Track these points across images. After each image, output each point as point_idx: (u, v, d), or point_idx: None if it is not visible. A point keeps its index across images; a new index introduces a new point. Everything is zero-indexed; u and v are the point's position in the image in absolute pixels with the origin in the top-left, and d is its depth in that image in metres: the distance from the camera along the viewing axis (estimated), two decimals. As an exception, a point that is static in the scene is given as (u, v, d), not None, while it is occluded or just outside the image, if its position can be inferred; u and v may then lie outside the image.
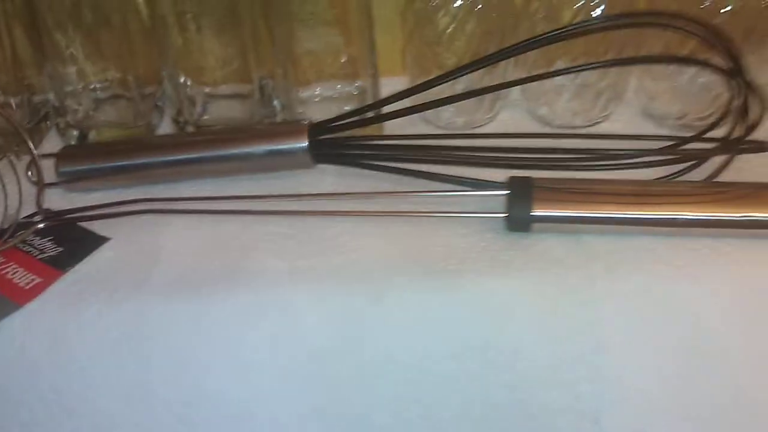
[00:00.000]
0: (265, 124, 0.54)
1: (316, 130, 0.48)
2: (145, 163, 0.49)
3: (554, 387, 0.39)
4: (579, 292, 0.39)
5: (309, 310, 0.41)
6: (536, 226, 0.42)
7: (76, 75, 0.55)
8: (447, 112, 0.54)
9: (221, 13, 0.52)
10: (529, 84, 0.55)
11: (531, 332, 0.39)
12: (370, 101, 0.53)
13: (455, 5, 0.50)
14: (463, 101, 0.53)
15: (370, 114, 0.49)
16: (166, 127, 0.58)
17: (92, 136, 0.57)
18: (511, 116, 0.55)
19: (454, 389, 0.39)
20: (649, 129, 0.53)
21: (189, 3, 0.51)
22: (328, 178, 0.50)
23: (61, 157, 0.51)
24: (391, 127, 0.53)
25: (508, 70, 0.53)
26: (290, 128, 0.48)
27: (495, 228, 0.44)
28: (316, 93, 0.56)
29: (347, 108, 0.54)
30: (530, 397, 0.39)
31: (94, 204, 0.49)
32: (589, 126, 0.54)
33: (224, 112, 0.56)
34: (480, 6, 0.50)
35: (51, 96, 0.55)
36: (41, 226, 0.47)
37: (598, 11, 0.48)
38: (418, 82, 0.52)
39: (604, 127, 0.54)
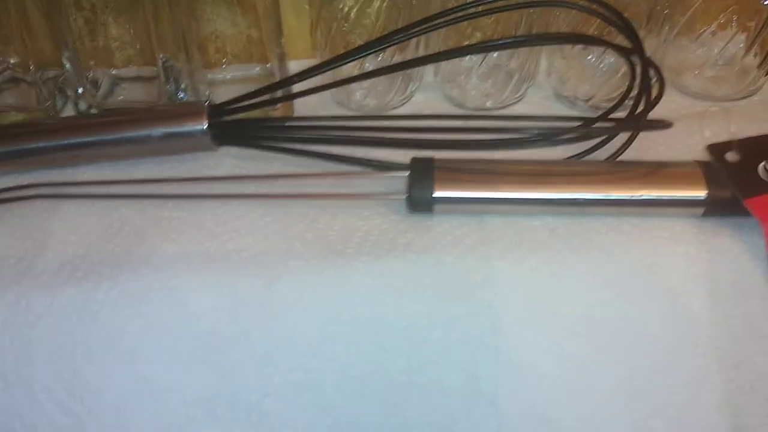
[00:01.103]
0: (164, 106, 0.52)
1: (216, 111, 0.46)
2: (39, 147, 0.47)
3: (450, 369, 0.38)
4: (475, 273, 0.39)
5: (199, 295, 0.39)
6: (438, 207, 0.41)
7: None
8: (358, 94, 0.53)
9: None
10: (442, 66, 0.54)
11: (426, 315, 0.38)
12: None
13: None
14: (374, 82, 0.52)
15: (272, 95, 0.48)
16: (70, 111, 0.56)
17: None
18: (425, 98, 0.54)
19: (350, 374, 0.38)
20: (561, 111, 0.52)
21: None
22: (231, 161, 0.48)
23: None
24: (304, 110, 0.51)
25: (419, 51, 0.52)
26: (188, 109, 0.46)
27: (398, 210, 0.43)
28: (224, 76, 0.54)
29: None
30: (426, 379, 0.38)
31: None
32: (501, 108, 0.53)
33: (130, 95, 0.54)
34: None
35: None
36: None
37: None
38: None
39: (516, 109, 0.53)
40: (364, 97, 0.53)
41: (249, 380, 0.39)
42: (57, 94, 0.56)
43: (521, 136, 0.41)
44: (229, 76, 0.54)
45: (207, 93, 0.53)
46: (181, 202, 0.44)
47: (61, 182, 0.46)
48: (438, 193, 0.40)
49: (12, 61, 0.54)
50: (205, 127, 0.46)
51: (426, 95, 0.55)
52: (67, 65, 0.52)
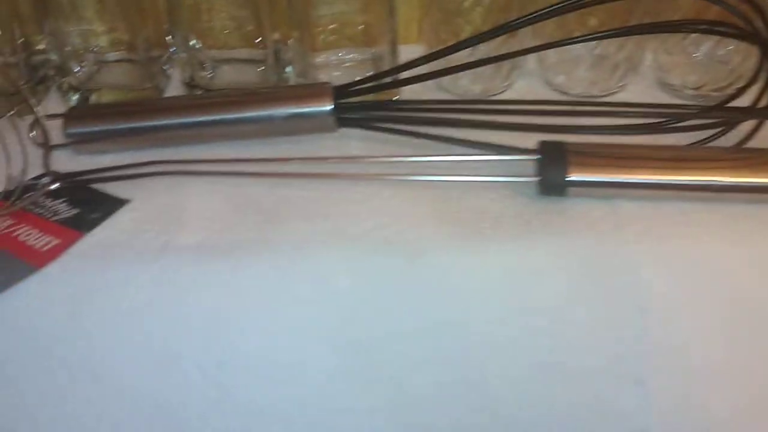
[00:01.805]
0: (288, 87, 0.52)
1: (340, 93, 0.47)
2: (161, 125, 0.48)
3: (594, 350, 0.39)
4: (616, 256, 0.39)
5: (341, 272, 0.40)
6: (571, 191, 0.42)
7: (79, 34, 0.53)
8: (464, 79, 0.53)
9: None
10: (546, 53, 0.55)
11: (570, 295, 0.39)
12: (386, 68, 0.52)
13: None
14: (481, 68, 0.52)
15: (392, 78, 0.48)
16: (172, 91, 0.56)
17: (93, 98, 0.55)
18: (527, 84, 0.55)
19: (493, 352, 0.39)
20: (665, 100, 0.53)
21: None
22: (347, 142, 0.49)
23: (69, 117, 0.49)
24: (407, 95, 0.52)
25: (525, 40, 0.52)
26: (314, 90, 0.47)
27: (524, 193, 0.43)
28: (331, 59, 0.54)
29: (362, 75, 0.53)
30: (570, 359, 0.39)
31: (106, 166, 0.47)
32: (605, 96, 0.53)
33: (234, 77, 0.55)
34: None
35: (52, 55, 0.53)
36: (54, 186, 0.45)
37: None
38: (434, 50, 0.52)
39: (619, 97, 0.53)
40: (470, 83, 0.53)
41: (392, 356, 0.39)
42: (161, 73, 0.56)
43: (656, 120, 0.42)
44: (334, 60, 0.55)
45: (314, 77, 0.54)
46: (306, 182, 0.45)
47: (183, 160, 0.47)
48: (572, 177, 0.41)
49: (116, 39, 0.54)
50: (330, 108, 0.46)
51: (528, 81, 0.56)
52: (178, 45, 0.52)
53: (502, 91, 0.55)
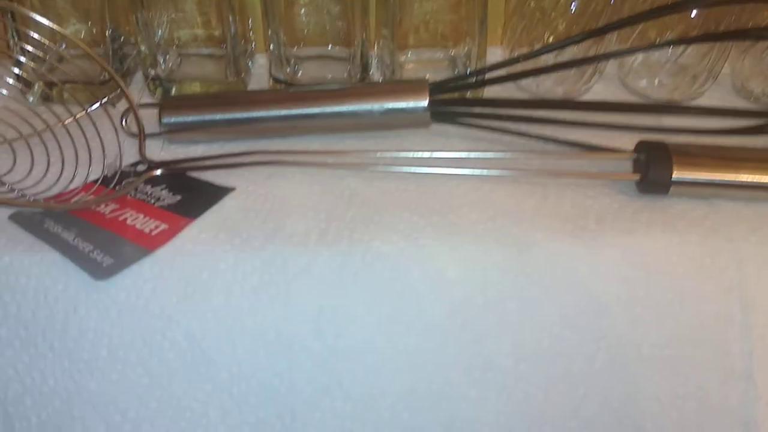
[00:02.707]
0: (385, 82, 0.53)
1: (436, 89, 0.47)
2: (257, 117, 0.48)
3: (701, 344, 0.39)
4: (721, 253, 0.40)
5: (450, 263, 0.40)
6: (674, 189, 0.42)
7: (169, 27, 0.54)
8: (548, 81, 0.54)
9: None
10: (627, 58, 0.56)
11: (677, 292, 0.39)
12: (473, 66, 0.53)
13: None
14: (564, 71, 0.53)
15: (485, 76, 0.49)
16: (254, 86, 0.57)
17: (174, 90, 0.55)
18: (604, 88, 0.56)
19: (599, 345, 0.39)
20: (744, 105, 0.54)
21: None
22: (439, 139, 0.49)
23: (165, 107, 0.49)
24: (490, 95, 0.53)
25: (609, 45, 0.53)
26: (411, 86, 0.47)
27: (623, 191, 0.44)
28: (416, 57, 0.55)
29: (442, 73, 0.54)
30: (678, 353, 0.39)
31: (200, 155, 0.47)
32: (685, 101, 0.54)
33: (318, 73, 0.55)
34: None
35: (142, 46, 0.54)
36: (158, 172, 0.46)
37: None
38: (516, 53, 0.53)
39: (699, 102, 0.54)
40: (554, 85, 0.54)
41: (503, 345, 0.40)
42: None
43: (759, 123, 0.42)
44: (418, 58, 0.56)
45: (400, 74, 0.54)
46: (404, 176, 0.46)
47: (281, 150, 0.47)
48: (677, 176, 0.42)
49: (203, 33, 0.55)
50: (426, 104, 0.47)
51: (605, 85, 0.56)
52: (271, 40, 0.53)
53: (583, 94, 0.55)
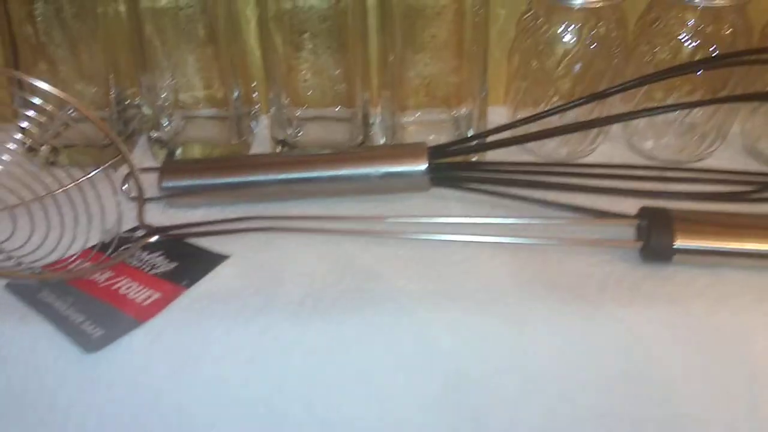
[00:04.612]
0: (383, 146, 0.53)
1: (435, 153, 0.47)
2: (256, 181, 0.48)
3: (707, 424, 0.37)
4: (728, 326, 0.39)
5: (445, 333, 0.39)
6: (677, 257, 0.41)
7: (170, 89, 0.54)
8: (551, 142, 0.53)
9: (331, 34, 0.51)
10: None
11: (681, 366, 0.38)
12: (474, 128, 0.53)
13: (566, 44, 0.50)
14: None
15: (487, 139, 0.49)
16: (257, 148, 0.57)
17: (179, 152, 0.55)
18: (610, 148, 0.55)
19: (600, 422, 0.38)
20: (755, 167, 0.52)
21: (305, 23, 0.50)
22: (437, 202, 0.49)
23: (165, 171, 0.49)
24: (491, 157, 0.52)
25: (614, 105, 0.53)
26: (410, 150, 0.47)
27: (624, 258, 0.43)
28: (416, 119, 0.55)
29: (443, 134, 0.54)
30: (682, 429, 0.37)
31: (199, 221, 0.47)
32: (693, 162, 0.53)
33: (320, 134, 0.55)
34: (593, 46, 0.50)
35: (146, 109, 0.54)
36: (154, 239, 0.45)
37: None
38: (520, 112, 0.53)
39: (707, 164, 0.53)
40: (557, 146, 0.53)
41: (500, 422, 0.38)
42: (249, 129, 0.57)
43: (749, 189, 0.41)
44: (417, 119, 0.56)
45: (402, 135, 0.54)
46: (401, 242, 0.45)
47: (278, 216, 0.47)
48: (679, 244, 0.41)
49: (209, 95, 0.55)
50: (425, 167, 0.46)
51: (611, 145, 0.56)
52: (273, 103, 0.53)
53: (587, 155, 0.55)
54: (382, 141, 0.55)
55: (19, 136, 0.51)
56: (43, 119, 0.50)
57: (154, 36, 0.52)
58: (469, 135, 0.51)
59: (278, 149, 0.54)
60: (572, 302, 0.40)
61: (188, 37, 0.52)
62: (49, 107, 0.49)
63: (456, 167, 0.47)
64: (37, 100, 0.49)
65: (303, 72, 0.53)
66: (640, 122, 0.54)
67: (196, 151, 0.55)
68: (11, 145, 0.50)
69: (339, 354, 0.39)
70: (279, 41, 0.51)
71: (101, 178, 0.49)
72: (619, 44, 0.51)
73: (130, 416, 0.39)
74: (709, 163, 0.53)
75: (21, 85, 0.51)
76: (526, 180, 0.46)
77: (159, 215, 0.49)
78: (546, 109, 0.47)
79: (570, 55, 0.51)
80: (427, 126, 0.55)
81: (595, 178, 0.47)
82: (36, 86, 0.48)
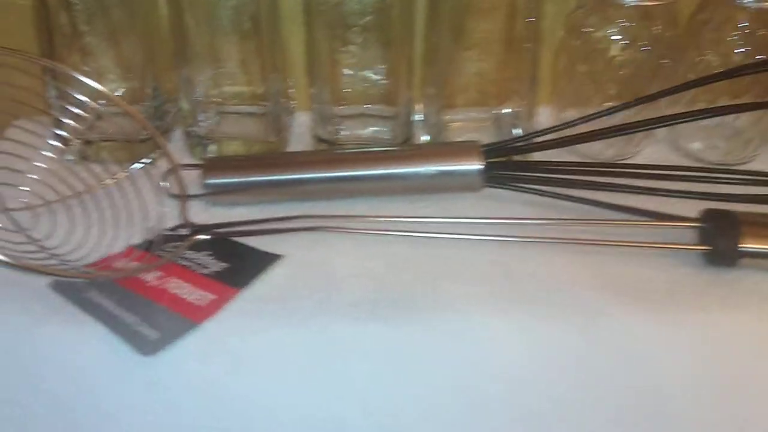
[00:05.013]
0: (435, 144, 0.51)
1: (489, 151, 0.46)
2: (303, 179, 0.47)
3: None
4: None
5: (510, 338, 0.38)
6: (743, 261, 0.40)
7: (212, 84, 0.53)
8: (599, 143, 0.52)
9: (377, 29, 0.50)
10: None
11: (757, 369, 0.37)
12: (522, 127, 0.52)
13: (617, 44, 0.49)
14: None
15: (538, 139, 0.48)
16: (294, 145, 0.56)
17: (213, 149, 0.54)
18: (656, 150, 0.54)
19: (677, 426, 0.37)
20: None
21: (350, 17, 0.48)
22: (486, 203, 0.48)
23: (208, 167, 0.48)
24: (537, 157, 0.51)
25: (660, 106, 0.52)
26: (463, 148, 0.46)
27: (686, 262, 0.42)
28: (458, 116, 0.54)
29: (485, 133, 0.52)
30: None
31: (245, 219, 0.46)
32: (740, 164, 0.53)
33: (360, 132, 0.54)
34: (644, 47, 0.49)
35: (183, 103, 0.52)
36: (204, 237, 0.44)
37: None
38: (566, 113, 0.52)
39: (753, 166, 0.53)
40: (604, 147, 0.52)
41: (565, 428, 0.37)
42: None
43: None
44: (456, 118, 0.54)
45: (445, 134, 0.53)
46: (454, 243, 0.44)
47: (324, 215, 0.45)
48: (745, 247, 0.40)
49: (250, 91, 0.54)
50: (480, 167, 0.45)
51: (657, 147, 0.55)
52: (316, 99, 0.52)
53: (632, 156, 0.54)
54: (423, 139, 0.53)
55: (53, 129, 0.50)
56: (78, 112, 0.48)
57: (194, 27, 0.50)
58: (514, 135, 0.50)
59: (317, 147, 0.53)
60: (641, 307, 0.39)
61: (229, 29, 0.50)
62: (84, 100, 0.48)
63: (511, 167, 0.46)
64: (72, 92, 0.48)
65: (346, 68, 0.51)
66: (687, 124, 0.53)
67: (232, 148, 0.54)
68: (45, 139, 0.48)
69: (400, 359, 0.38)
70: (324, 35, 0.49)
71: (139, 174, 0.47)
72: (671, 45, 0.50)
73: (187, 421, 0.37)
74: (754, 166, 0.53)
75: (55, 75, 0.49)
76: (579, 180, 0.45)
77: (201, 213, 0.48)
78: (598, 110, 0.46)
79: (620, 56, 0.50)
80: (469, 124, 0.54)
81: (648, 180, 0.46)
82: (73, 77, 0.47)
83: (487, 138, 0.49)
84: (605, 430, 0.38)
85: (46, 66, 0.48)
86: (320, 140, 0.53)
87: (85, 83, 0.47)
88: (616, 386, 0.38)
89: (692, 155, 0.53)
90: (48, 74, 0.49)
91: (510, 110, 0.53)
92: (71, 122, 0.48)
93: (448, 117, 0.53)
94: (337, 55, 0.49)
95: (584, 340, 0.38)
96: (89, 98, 0.48)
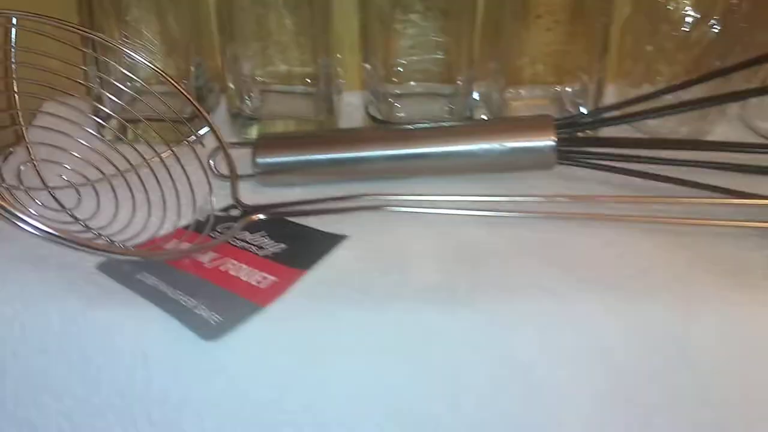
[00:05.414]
0: (500, 119, 0.48)
1: (563, 126, 0.43)
2: (362, 158, 0.44)
3: None
4: None
5: (609, 325, 0.35)
6: None
7: (259, 61, 0.50)
8: (671, 121, 0.49)
9: (437, 2, 0.47)
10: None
11: None
12: (590, 105, 0.48)
13: (689, 19, 0.46)
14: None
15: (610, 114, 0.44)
16: (343, 124, 0.52)
17: (257, 129, 0.50)
18: (728, 128, 0.51)
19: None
20: None
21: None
22: (557, 181, 0.44)
23: (259, 146, 0.45)
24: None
25: (736, 82, 0.49)
26: (535, 123, 0.43)
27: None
28: (517, 94, 0.51)
29: (548, 112, 0.49)
30: None
31: (300, 199, 0.43)
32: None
33: (417, 110, 0.51)
34: (715, 24, 0.46)
35: (229, 82, 0.49)
36: (260, 217, 0.41)
37: None
38: (633, 90, 0.49)
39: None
40: (677, 125, 0.49)
41: (672, 421, 0.34)
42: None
43: None
44: (518, 95, 0.51)
45: (505, 112, 0.50)
46: (528, 224, 0.41)
47: (391, 193, 0.42)
48: None
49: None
50: (553, 143, 0.42)
51: (729, 125, 0.52)
52: (371, 77, 0.49)
53: (705, 135, 0.51)
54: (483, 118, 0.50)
55: (94, 105, 0.47)
56: (120, 87, 0.46)
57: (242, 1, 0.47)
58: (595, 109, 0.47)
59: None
60: (739, 289, 0.36)
61: (278, 3, 0.47)
62: (128, 74, 0.45)
63: (587, 143, 0.43)
64: (116, 66, 0.45)
65: (401, 43, 0.48)
66: (762, 101, 0.50)
67: (279, 128, 0.51)
68: (85, 115, 0.45)
69: (487, 346, 0.35)
70: (380, 10, 0.46)
71: (183, 153, 0.44)
72: (746, 19, 0.47)
73: (252, 414, 0.34)
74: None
75: (95, 48, 0.46)
76: (656, 157, 0.42)
77: (250, 194, 0.44)
78: (669, 85, 0.43)
79: (693, 31, 0.47)
80: (528, 102, 0.51)
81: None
82: (119, 50, 0.44)
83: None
84: (714, 422, 0.34)
85: (88, 37, 0.45)
86: (374, 120, 0.49)
87: (131, 56, 0.44)
88: (720, 376, 0.34)
89: (765, 133, 0.50)
90: (89, 46, 0.45)
91: (575, 88, 0.49)
92: (113, 98, 0.45)
93: (508, 94, 0.50)
94: (396, 26, 0.46)
95: (682, 327, 0.35)
96: (132, 73, 0.45)
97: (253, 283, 0.37)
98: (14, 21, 0.41)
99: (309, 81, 0.50)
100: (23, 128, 0.41)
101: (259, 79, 0.50)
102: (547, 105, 0.51)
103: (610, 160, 0.43)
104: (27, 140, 0.41)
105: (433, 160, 0.43)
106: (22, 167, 0.41)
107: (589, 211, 0.40)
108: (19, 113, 0.41)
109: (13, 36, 0.41)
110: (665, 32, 0.48)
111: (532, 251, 0.39)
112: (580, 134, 0.44)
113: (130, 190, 0.42)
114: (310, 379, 0.34)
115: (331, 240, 0.39)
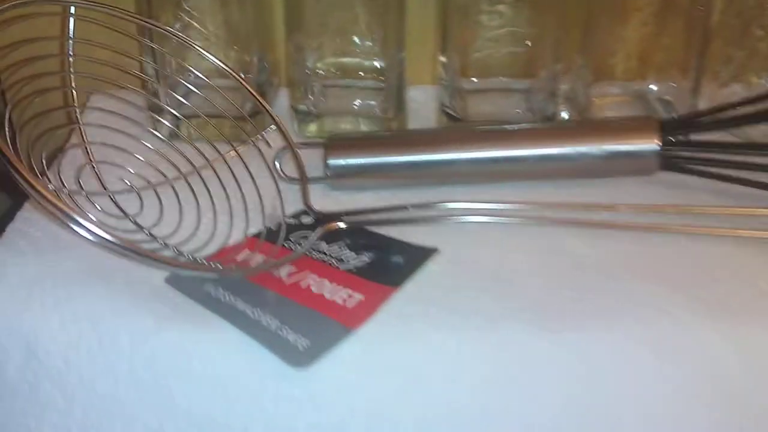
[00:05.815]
0: (597, 120, 0.45)
1: (669, 129, 0.39)
2: (443, 161, 0.40)
3: None
4: None
5: (729, 352, 0.31)
6: None
7: (322, 54, 0.46)
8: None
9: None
10: None
11: None
12: (687, 104, 0.45)
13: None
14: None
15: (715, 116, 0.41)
16: (412, 122, 0.49)
17: (314, 127, 0.47)
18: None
19: None
20: None
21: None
22: (656, 188, 0.41)
23: (330, 147, 0.41)
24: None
25: None
26: (637, 125, 0.39)
27: None
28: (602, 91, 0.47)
29: (633, 111, 0.46)
30: None
31: (370, 207, 0.39)
32: None
33: (492, 107, 0.47)
34: None
35: (294, 75, 0.46)
36: (341, 226, 0.37)
37: None
38: (729, 87, 0.45)
39: None
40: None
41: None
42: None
43: None
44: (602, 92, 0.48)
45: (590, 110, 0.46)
46: (636, 236, 0.37)
47: (479, 200, 0.39)
48: None
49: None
50: (657, 147, 0.38)
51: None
52: (447, 73, 0.45)
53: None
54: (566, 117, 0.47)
55: (149, 99, 0.43)
56: (181, 82, 0.42)
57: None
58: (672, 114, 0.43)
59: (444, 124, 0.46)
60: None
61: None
62: (188, 68, 0.41)
63: (694, 147, 0.39)
64: (174, 59, 0.42)
65: (484, 35, 0.45)
66: None
67: (343, 125, 0.47)
68: (138, 111, 0.42)
69: (600, 374, 0.31)
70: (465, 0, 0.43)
71: (245, 154, 0.41)
72: None
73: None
74: None
75: (152, 38, 0.42)
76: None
77: (320, 198, 0.41)
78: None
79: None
80: (618, 99, 0.47)
81: None
82: (180, 42, 0.40)
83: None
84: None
85: (146, 26, 0.41)
86: (449, 117, 0.46)
87: (194, 49, 0.40)
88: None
89: None
90: (146, 36, 0.42)
91: (665, 85, 0.46)
92: (171, 92, 0.42)
93: (594, 92, 0.47)
94: (481, 17, 0.43)
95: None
96: (192, 67, 0.42)
97: (339, 301, 0.33)
98: (72, 10, 0.37)
99: (377, 76, 0.46)
100: (81, 127, 0.38)
101: (321, 73, 0.47)
102: (632, 102, 0.48)
103: (719, 167, 0.39)
104: (86, 140, 0.38)
105: (521, 164, 0.40)
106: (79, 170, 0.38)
107: (697, 223, 0.37)
108: (77, 110, 0.38)
109: (71, 26, 0.37)
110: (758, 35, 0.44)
111: (639, 268, 0.35)
112: (681, 138, 0.40)
113: (194, 194, 0.39)
114: (407, 409, 0.31)
115: (422, 253, 0.36)
